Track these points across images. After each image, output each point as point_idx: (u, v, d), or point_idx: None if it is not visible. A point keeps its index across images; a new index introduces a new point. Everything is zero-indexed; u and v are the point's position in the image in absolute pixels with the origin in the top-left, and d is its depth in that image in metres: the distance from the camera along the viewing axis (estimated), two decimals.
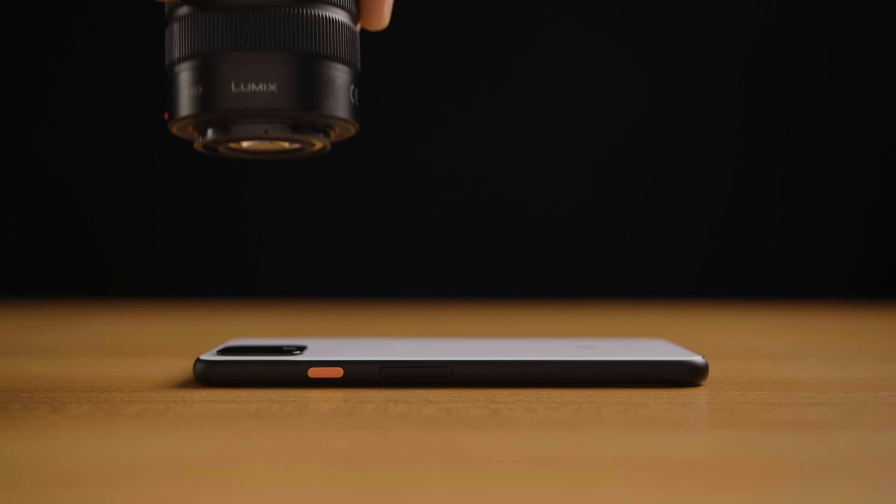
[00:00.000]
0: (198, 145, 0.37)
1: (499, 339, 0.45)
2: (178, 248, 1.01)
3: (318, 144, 0.38)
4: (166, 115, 0.37)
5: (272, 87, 0.35)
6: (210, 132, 0.36)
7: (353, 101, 0.37)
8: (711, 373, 0.39)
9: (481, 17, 1.01)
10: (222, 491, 0.23)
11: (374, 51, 1.01)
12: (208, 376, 0.36)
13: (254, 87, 0.35)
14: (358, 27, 0.38)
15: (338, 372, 0.36)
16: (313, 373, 0.36)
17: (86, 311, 0.83)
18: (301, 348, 0.39)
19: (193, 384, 0.37)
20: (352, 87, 0.37)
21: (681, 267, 1.02)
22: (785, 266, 1.02)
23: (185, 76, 0.36)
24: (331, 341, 0.42)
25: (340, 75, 0.37)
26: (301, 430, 0.30)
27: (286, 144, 0.37)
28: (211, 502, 0.22)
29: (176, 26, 0.36)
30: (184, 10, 0.36)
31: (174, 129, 0.37)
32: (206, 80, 0.35)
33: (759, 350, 0.54)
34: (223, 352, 0.38)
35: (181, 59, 0.36)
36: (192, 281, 1.00)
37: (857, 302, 0.93)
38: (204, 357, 0.37)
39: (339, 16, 0.37)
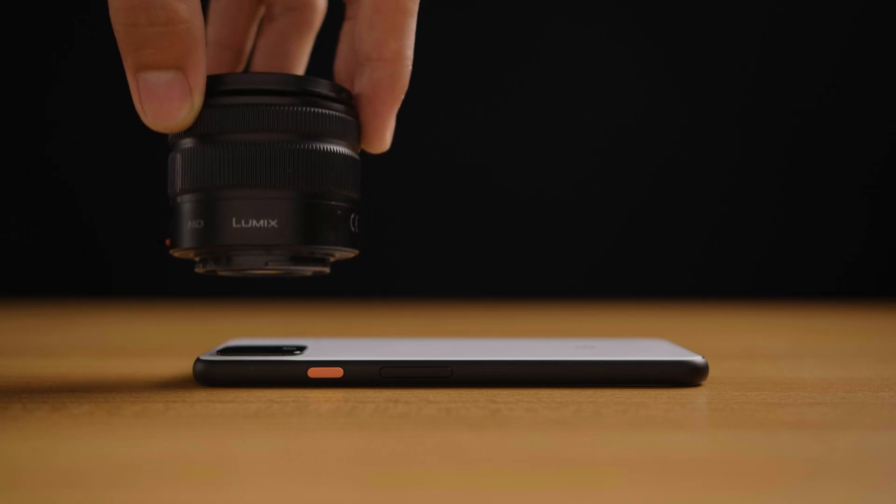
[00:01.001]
0: (199, 270, 0.38)
1: (499, 339, 0.45)
2: None
3: (318, 268, 0.38)
4: (168, 241, 0.37)
5: (273, 223, 0.36)
6: (211, 261, 0.37)
7: (353, 229, 0.38)
8: (711, 373, 0.39)
9: (478, 19, 1.01)
10: (222, 491, 0.23)
11: None
12: (208, 376, 0.36)
13: (255, 222, 0.35)
14: (359, 149, 0.39)
15: (338, 372, 0.36)
16: (313, 373, 0.36)
17: (86, 311, 0.83)
18: (301, 348, 0.39)
19: (193, 384, 0.37)
20: (352, 215, 0.38)
21: (681, 267, 1.02)
22: (785, 266, 1.02)
23: (186, 208, 0.36)
24: (331, 341, 0.42)
25: (341, 206, 0.37)
26: (301, 430, 0.30)
27: None
28: (211, 502, 0.22)
29: (179, 157, 0.36)
30: (187, 142, 0.36)
31: (175, 254, 0.37)
32: (207, 214, 0.36)
33: (759, 350, 0.54)
34: (223, 352, 0.38)
35: (183, 191, 0.36)
36: (192, 281, 1.00)
37: (857, 302, 0.93)
38: (204, 357, 0.37)
39: (340, 147, 0.37)
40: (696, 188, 1.02)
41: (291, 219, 0.36)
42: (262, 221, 0.35)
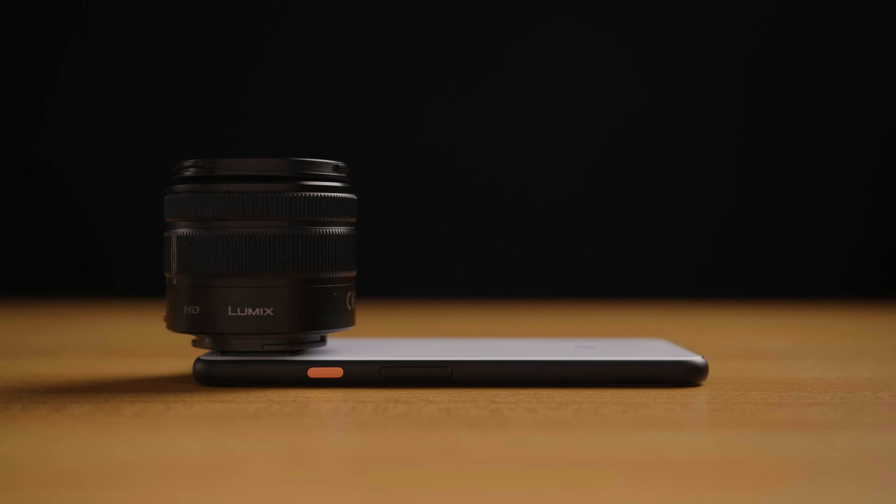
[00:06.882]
0: (197, 347, 0.38)
1: (499, 339, 0.45)
2: None
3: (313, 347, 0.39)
4: (164, 318, 0.38)
5: (269, 311, 0.36)
6: (208, 342, 0.37)
7: (349, 307, 0.38)
8: (711, 373, 0.39)
9: (476, 14, 1.01)
10: (222, 491, 0.23)
11: (373, 50, 1.01)
12: (208, 376, 0.36)
13: (250, 311, 0.36)
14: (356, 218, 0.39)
15: (338, 372, 0.36)
16: (313, 373, 0.36)
17: (86, 311, 0.83)
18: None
19: (193, 384, 0.37)
20: (349, 293, 0.38)
21: (680, 267, 1.02)
22: (785, 266, 1.02)
23: (182, 292, 0.37)
24: (331, 341, 0.42)
25: (338, 286, 0.37)
26: (301, 430, 0.30)
27: None
28: (211, 502, 0.22)
29: (175, 239, 0.37)
30: (183, 225, 0.36)
31: (173, 331, 0.38)
32: (202, 301, 0.36)
33: (759, 350, 0.54)
34: (223, 352, 0.38)
35: (178, 272, 0.36)
36: None
37: (857, 302, 0.93)
38: (204, 357, 0.37)
39: (338, 228, 0.37)
40: (696, 188, 1.02)
41: (287, 307, 0.36)
42: (257, 310, 0.36)
